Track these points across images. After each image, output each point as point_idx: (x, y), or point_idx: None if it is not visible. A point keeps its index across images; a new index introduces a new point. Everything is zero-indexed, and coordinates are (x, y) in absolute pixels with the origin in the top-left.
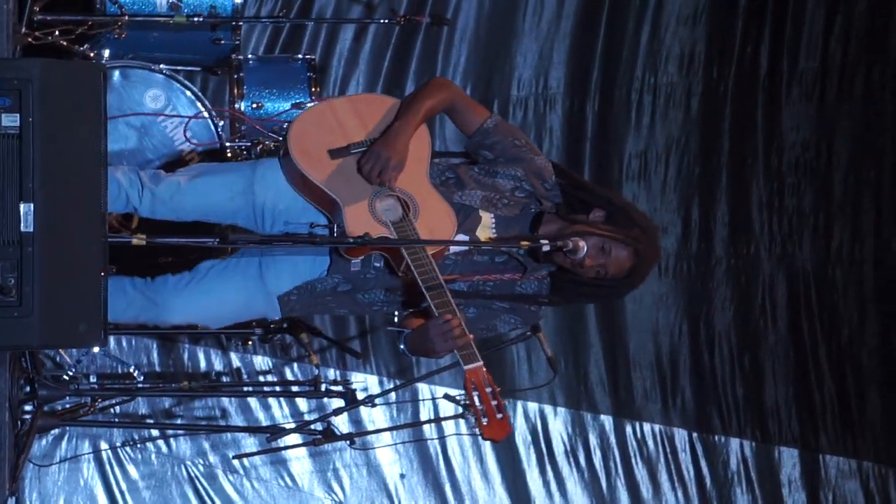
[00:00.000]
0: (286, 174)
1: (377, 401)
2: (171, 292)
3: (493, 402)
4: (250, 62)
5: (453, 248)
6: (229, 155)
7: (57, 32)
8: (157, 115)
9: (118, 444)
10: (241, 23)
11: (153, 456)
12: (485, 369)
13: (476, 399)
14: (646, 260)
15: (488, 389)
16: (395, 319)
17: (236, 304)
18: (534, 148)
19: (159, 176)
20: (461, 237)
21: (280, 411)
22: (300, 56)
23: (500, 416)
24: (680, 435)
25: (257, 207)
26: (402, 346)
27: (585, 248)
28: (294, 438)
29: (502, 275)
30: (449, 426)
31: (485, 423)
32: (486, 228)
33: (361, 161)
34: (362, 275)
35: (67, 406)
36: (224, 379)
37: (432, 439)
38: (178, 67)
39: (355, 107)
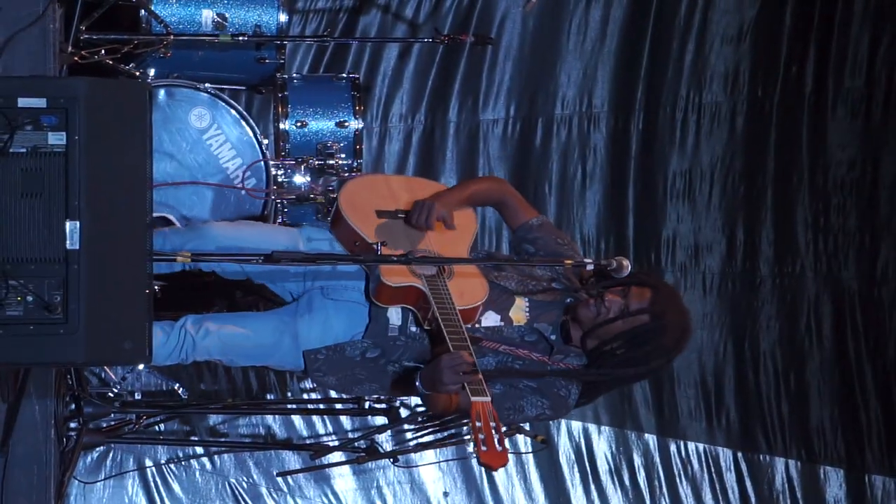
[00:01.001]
0: (337, 236)
1: (421, 418)
2: (210, 320)
3: (496, 436)
4: (295, 81)
5: (484, 323)
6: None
7: (103, 52)
8: (205, 143)
9: (162, 461)
10: (285, 42)
11: (197, 473)
12: (491, 405)
13: (479, 427)
14: (666, 297)
15: (492, 423)
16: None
17: (267, 341)
18: (576, 248)
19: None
20: (493, 316)
21: (323, 428)
22: (344, 75)
23: (500, 448)
24: (725, 454)
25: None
26: (417, 383)
27: (630, 267)
28: (338, 456)
29: (531, 353)
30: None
31: (483, 450)
32: (520, 310)
33: (409, 214)
34: (393, 341)
35: (112, 423)
36: (268, 396)
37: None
38: (223, 86)
39: (409, 184)
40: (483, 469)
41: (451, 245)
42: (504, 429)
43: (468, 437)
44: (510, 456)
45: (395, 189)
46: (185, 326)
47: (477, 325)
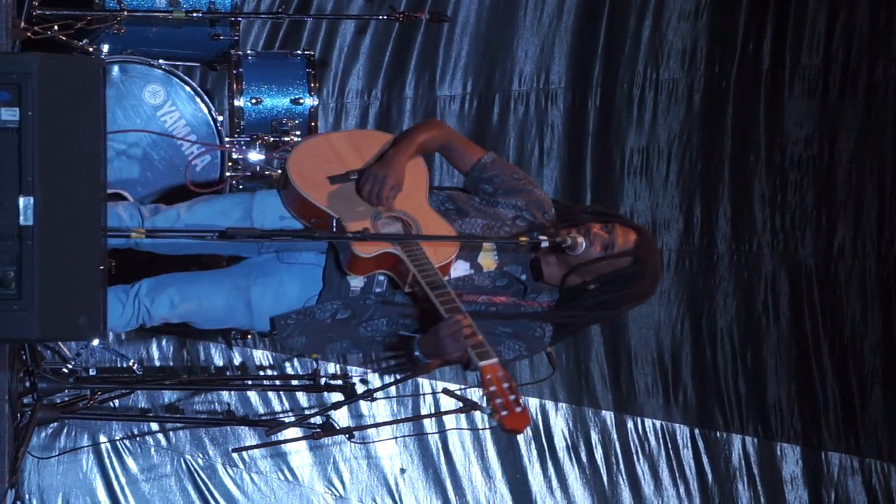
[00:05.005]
0: (286, 204)
1: (377, 395)
2: (164, 284)
3: (511, 396)
4: (249, 58)
5: (454, 274)
6: (231, 180)
7: (56, 27)
8: (159, 119)
9: (117, 437)
10: (240, 18)
11: (152, 449)
12: (499, 365)
13: (494, 393)
14: (649, 243)
15: (505, 385)
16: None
17: (219, 305)
18: (532, 182)
19: (159, 208)
20: (462, 264)
21: (280, 405)
22: (299, 52)
23: (518, 409)
24: (682, 431)
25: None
26: (416, 353)
27: (584, 244)
28: (293, 432)
29: (507, 297)
30: (449, 421)
31: (504, 415)
32: (488, 254)
33: (360, 183)
34: (361, 300)
35: (67, 399)
36: (225, 374)
37: (433, 434)
38: (177, 63)
39: (351, 140)
40: (506, 434)
41: (409, 198)
42: (516, 384)
43: (485, 406)
44: (467, 433)
45: (339, 149)
46: (140, 296)
47: (447, 278)
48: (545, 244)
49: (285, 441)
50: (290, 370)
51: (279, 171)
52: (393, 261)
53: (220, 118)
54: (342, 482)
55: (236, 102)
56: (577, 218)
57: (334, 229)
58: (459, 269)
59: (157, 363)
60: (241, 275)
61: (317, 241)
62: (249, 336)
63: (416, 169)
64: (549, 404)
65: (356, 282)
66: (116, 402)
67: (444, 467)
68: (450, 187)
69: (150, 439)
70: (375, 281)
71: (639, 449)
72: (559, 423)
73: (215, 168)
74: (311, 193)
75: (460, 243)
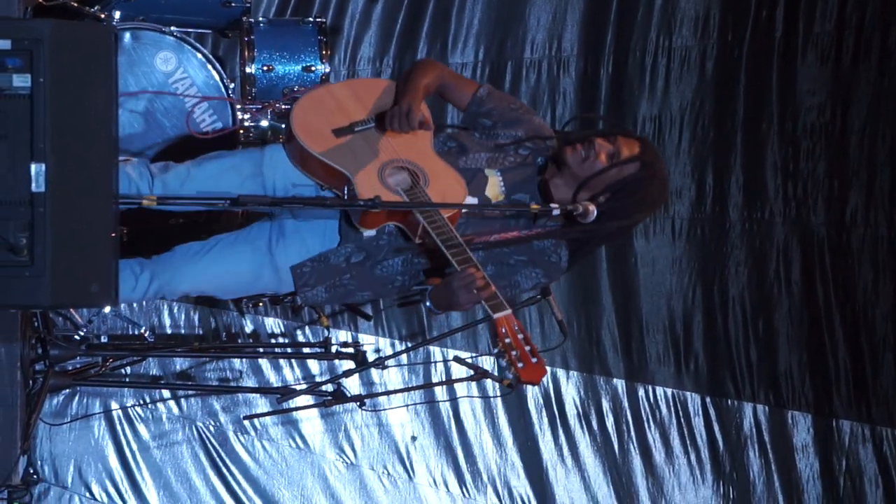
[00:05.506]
0: (291, 158)
1: (388, 363)
2: (180, 260)
3: (527, 348)
4: (261, 25)
5: (464, 210)
6: (241, 131)
7: None
8: (171, 87)
9: (129, 404)
10: None
11: (164, 416)
12: (514, 316)
13: (510, 345)
14: (653, 151)
15: (520, 336)
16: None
17: (245, 276)
18: (530, 109)
19: (168, 166)
20: (471, 199)
21: (291, 373)
22: (311, 19)
23: (535, 359)
24: (693, 399)
25: (268, 191)
26: (427, 303)
27: (595, 212)
28: (305, 400)
29: (518, 232)
30: (461, 388)
31: (521, 367)
32: (495, 187)
33: (387, 121)
34: (375, 241)
35: (79, 366)
36: (237, 341)
37: (444, 401)
38: (189, 30)
39: (353, 89)
40: (525, 386)
41: (414, 145)
42: (530, 334)
43: (500, 357)
44: (478, 401)
45: (342, 99)
46: (157, 273)
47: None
48: (556, 212)
49: (297, 409)
50: (301, 338)
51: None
52: (403, 214)
53: (232, 85)
54: (353, 450)
55: (248, 69)
56: (579, 135)
57: (345, 191)
58: (468, 202)
59: (169, 331)
60: (261, 238)
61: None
62: (261, 304)
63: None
64: (561, 372)
65: (369, 231)
66: (128, 369)
67: (455, 435)
68: (450, 125)
69: (161, 406)
70: (386, 227)
71: (650, 417)
72: (570, 391)
73: (226, 118)
74: (316, 149)
75: (466, 181)
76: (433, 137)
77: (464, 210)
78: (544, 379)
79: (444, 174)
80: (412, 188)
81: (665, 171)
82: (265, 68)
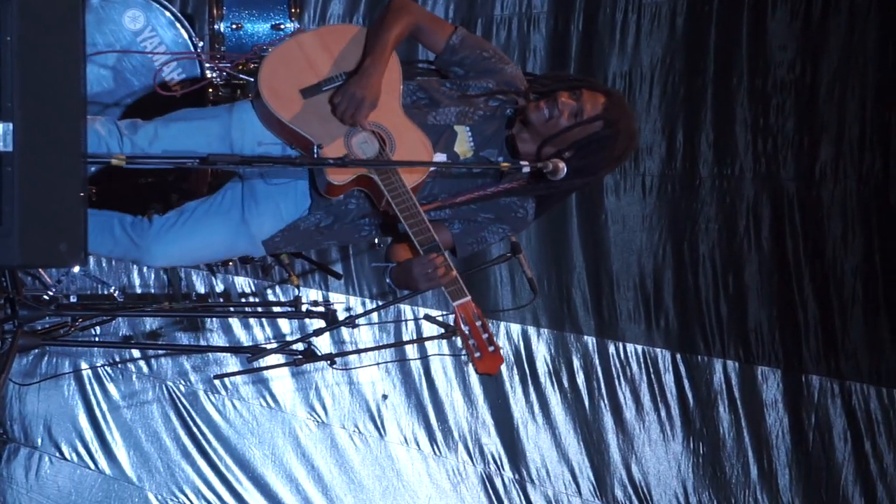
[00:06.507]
0: (260, 116)
1: (359, 321)
2: (155, 235)
3: (485, 336)
4: None
5: (431, 169)
6: (210, 90)
7: None
8: (139, 45)
9: (99, 364)
10: None
11: (134, 376)
12: (473, 304)
13: (468, 334)
14: (618, 104)
15: (478, 323)
16: (383, 253)
17: (220, 245)
18: (503, 57)
19: (136, 124)
20: (440, 156)
21: (262, 332)
22: None
23: (491, 348)
24: (663, 355)
25: (236, 150)
26: (388, 281)
27: (565, 169)
28: (275, 359)
29: (484, 190)
30: (431, 347)
31: (478, 357)
32: (464, 142)
33: (334, 101)
34: (343, 206)
35: (48, 326)
36: (207, 301)
37: (415, 360)
38: None
39: (323, 40)
40: (478, 375)
41: (382, 105)
42: (491, 327)
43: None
44: (449, 359)
45: (310, 52)
46: (135, 244)
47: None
48: (526, 169)
49: (267, 368)
50: (271, 297)
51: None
52: (368, 181)
53: (201, 44)
54: (324, 408)
55: (216, 28)
56: (545, 87)
57: (314, 151)
58: (437, 160)
59: (139, 290)
60: (234, 207)
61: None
62: (231, 263)
63: (388, 67)
64: (532, 330)
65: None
66: (98, 329)
67: (426, 393)
68: (420, 68)
69: (131, 366)
70: (354, 192)
71: (620, 374)
72: (541, 348)
73: (194, 68)
74: (284, 114)
75: (433, 143)
76: (402, 87)
77: (431, 169)
78: (515, 336)
79: (410, 137)
80: (378, 156)
81: (632, 125)
82: (234, 26)
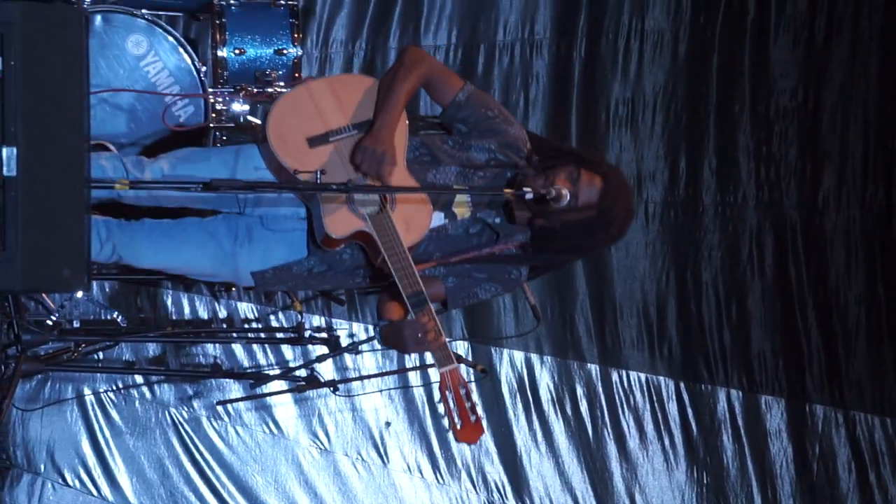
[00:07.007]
0: (265, 160)
1: (362, 347)
2: (146, 236)
3: (468, 404)
4: (233, 8)
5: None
6: (213, 115)
7: None
8: (142, 70)
9: (102, 389)
10: None
11: (137, 402)
12: (459, 372)
13: (451, 401)
14: (615, 189)
15: (462, 391)
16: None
17: (204, 268)
18: (508, 117)
19: (142, 162)
20: (437, 215)
21: (265, 358)
22: (283, 2)
23: (473, 417)
24: (667, 384)
25: (240, 196)
26: (377, 337)
27: (568, 196)
28: (278, 385)
29: (479, 251)
30: (434, 374)
31: (458, 427)
32: (462, 202)
33: (355, 158)
34: (338, 255)
35: (51, 351)
36: (210, 326)
37: (418, 386)
38: (160, 13)
39: (333, 89)
40: (451, 436)
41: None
42: (475, 396)
43: (441, 407)
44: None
45: (321, 101)
46: (119, 248)
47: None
48: (529, 196)
49: (270, 394)
50: (274, 323)
51: (261, 122)
52: (365, 236)
53: (204, 68)
54: (327, 435)
55: (219, 53)
56: (546, 156)
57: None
58: (435, 219)
59: (142, 315)
60: (227, 237)
61: (297, 206)
62: (234, 289)
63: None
64: (535, 357)
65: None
66: (101, 354)
67: (429, 421)
68: (426, 123)
69: (134, 392)
70: (352, 244)
71: (624, 402)
72: (544, 376)
73: (199, 117)
74: (289, 161)
75: (432, 196)
76: (408, 143)
77: (429, 228)
78: (518, 363)
79: (412, 197)
80: (378, 214)
81: (628, 206)
82: (237, 51)
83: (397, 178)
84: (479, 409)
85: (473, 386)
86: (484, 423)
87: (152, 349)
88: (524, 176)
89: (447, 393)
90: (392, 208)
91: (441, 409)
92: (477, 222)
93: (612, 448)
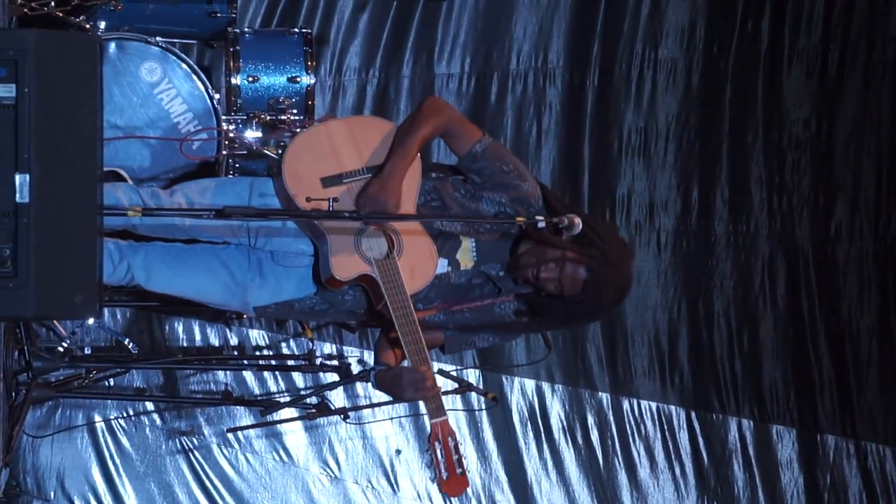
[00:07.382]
0: (278, 195)
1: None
2: (159, 258)
3: (455, 457)
4: (246, 35)
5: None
6: (227, 142)
7: (53, 3)
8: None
9: (112, 416)
10: None
11: (147, 429)
12: (449, 424)
13: (438, 453)
14: (602, 280)
15: (451, 443)
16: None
17: (214, 297)
18: (522, 172)
19: (158, 195)
20: (442, 262)
21: (275, 385)
22: (297, 30)
23: (459, 470)
24: (678, 413)
25: (252, 229)
26: (372, 382)
27: (581, 224)
28: (289, 412)
29: (481, 301)
30: (445, 402)
31: (444, 478)
32: (467, 252)
33: (359, 203)
34: (340, 296)
35: (62, 377)
36: (221, 353)
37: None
38: (174, 40)
39: (351, 131)
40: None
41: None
42: (462, 449)
43: (428, 457)
44: (462, 414)
45: (338, 143)
46: (133, 269)
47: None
48: (542, 225)
49: (281, 421)
50: (285, 350)
51: (279, 152)
52: (370, 280)
53: (217, 96)
54: (337, 463)
55: (233, 80)
56: (545, 240)
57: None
58: (438, 266)
59: (153, 342)
60: (239, 270)
61: (307, 244)
62: (245, 316)
63: (410, 168)
64: (546, 386)
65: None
66: (111, 380)
67: None
68: (439, 170)
69: (144, 419)
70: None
71: (635, 431)
72: (555, 404)
73: (212, 146)
74: (301, 199)
75: (437, 243)
76: (419, 188)
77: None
78: (529, 391)
79: (418, 241)
80: (384, 259)
81: (617, 286)
82: (250, 79)
83: (407, 211)
84: (466, 462)
85: (462, 440)
86: (469, 476)
87: (163, 376)
88: (517, 265)
89: (436, 444)
90: (399, 254)
91: (428, 459)
92: (479, 275)
93: (622, 477)
